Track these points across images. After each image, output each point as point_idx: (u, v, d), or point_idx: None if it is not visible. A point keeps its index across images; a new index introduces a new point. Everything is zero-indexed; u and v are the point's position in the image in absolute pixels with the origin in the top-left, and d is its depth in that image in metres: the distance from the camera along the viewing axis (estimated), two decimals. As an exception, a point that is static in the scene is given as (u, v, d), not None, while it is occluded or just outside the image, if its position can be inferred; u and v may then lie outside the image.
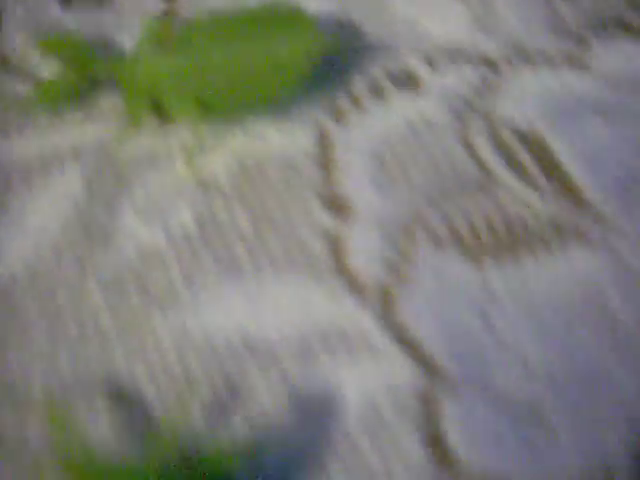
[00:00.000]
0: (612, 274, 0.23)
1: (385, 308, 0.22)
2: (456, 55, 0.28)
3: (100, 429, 0.21)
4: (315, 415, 0.22)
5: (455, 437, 0.21)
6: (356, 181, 0.25)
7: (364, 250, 0.23)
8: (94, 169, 0.25)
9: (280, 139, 0.26)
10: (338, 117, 0.26)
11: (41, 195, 0.25)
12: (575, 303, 0.23)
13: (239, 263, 0.23)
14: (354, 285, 0.23)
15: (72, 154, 0.25)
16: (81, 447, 0.20)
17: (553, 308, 0.22)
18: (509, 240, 0.24)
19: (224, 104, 0.25)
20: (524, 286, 0.23)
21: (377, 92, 0.27)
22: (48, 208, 0.24)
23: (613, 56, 0.28)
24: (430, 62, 0.27)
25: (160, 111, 0.25)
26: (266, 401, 0.21)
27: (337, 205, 0.24)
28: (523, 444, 0.21)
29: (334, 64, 0.27)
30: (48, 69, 0.26)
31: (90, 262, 0.24)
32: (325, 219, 0.24)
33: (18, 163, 0.25)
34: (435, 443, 0.21)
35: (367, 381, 0.22)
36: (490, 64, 0.28)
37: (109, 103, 0.26)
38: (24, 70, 0.27)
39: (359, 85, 0.27)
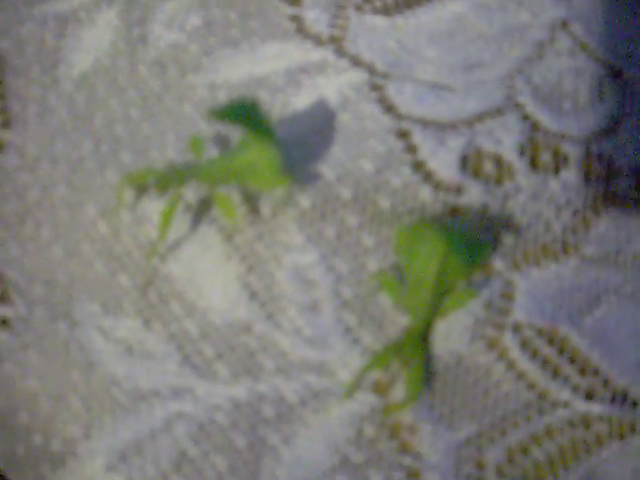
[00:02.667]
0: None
1: (337, 46, 0.34)
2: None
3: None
4: (308, 112, 0.33)
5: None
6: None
7: (315, 18, 0.35)
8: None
9: None
10: None
11: (91, 26, 0.36)
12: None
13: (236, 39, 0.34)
14: (314, 38, 0.34)
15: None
16: None
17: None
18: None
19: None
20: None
21: None
22: (97, 32, 0.35)
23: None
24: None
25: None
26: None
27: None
28: (438, 98, 0.33)
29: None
30: None
31: (135, 56, 0.34)
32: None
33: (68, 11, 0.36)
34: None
35: (338, 83, 0.33)
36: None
37: None
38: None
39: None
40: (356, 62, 0.34)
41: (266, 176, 0.30)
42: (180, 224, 0.31)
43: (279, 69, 0.34)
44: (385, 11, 0.35)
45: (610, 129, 0.34)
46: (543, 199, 0.32)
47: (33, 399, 0.29)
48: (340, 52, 0.34)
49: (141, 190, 0.31)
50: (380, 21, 0.35)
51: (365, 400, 0.29)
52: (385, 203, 0.31)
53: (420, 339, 0.29)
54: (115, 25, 0.35)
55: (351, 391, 0.29)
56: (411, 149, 0.32)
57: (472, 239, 0.30)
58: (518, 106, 0.33)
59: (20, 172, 0.32)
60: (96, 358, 0.30)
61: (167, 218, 0.30)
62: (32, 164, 0.33)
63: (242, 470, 0.28)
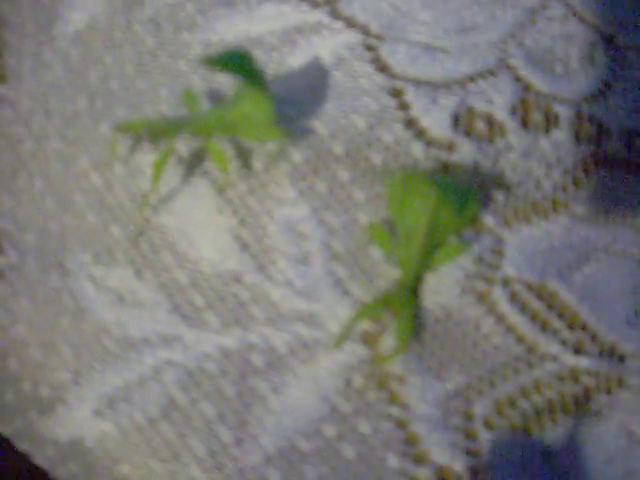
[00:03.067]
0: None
1: (332, 8, 0.34)
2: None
3: None
4: (303, 71, 0.33)
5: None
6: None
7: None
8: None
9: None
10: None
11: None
12: None
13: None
14: (309, 0, 0.35)
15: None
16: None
17: None
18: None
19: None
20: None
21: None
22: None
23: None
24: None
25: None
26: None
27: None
28: (432, 59, 0.33)
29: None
30: None
31: (131, 15, 0.34)
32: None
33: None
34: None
35: (333, 44, 0.33)
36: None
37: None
38: None
39: None
40: (350, 24, 0.34)
41: (259, 128, 0.30)
42: (173, 177, 0.31)
43: (275, 29, 0.34)
44: (380, -25, 0.35)
45: (601, 92, 0.34)
46: (534, 157, 0.32)
47: (23, 346, 0.29)
48: (335, 14, 0.34)
49: (134, 143, 0.31)
50: (374, -16, 0.35)
51: (354, 351, 0.29)
52: (377, 159, 0.31)
53: (410, 291, 0.29)
54: (112, -15, 0.35)
55: (340, 341, 0.29)
56: (404, 107, 0.32)
57: (463, 192, 0.30)
58: (510, 68, 0.33)
59: (14, 125, 0.32)
60: (87, 306, 0.30)
61: (159, 169, 0.30)
62: (26, 117, 0.33)
63: (231, 418, 0.28)
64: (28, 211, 0.31)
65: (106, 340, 0.29)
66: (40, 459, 0.29)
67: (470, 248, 0.30)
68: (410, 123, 0.32)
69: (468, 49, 0.34)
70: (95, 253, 0.30)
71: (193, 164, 0.31)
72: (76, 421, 0.29)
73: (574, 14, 0.35)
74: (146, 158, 0.31)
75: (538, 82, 0.33)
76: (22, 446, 0.29)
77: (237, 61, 0.30)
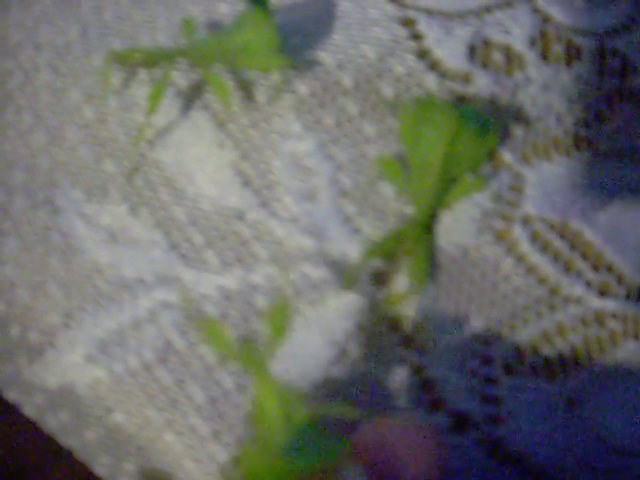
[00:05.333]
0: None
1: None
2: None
3: None
4: (313, 3, 0.30)
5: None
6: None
7: None
8: None
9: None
10: None
11: None
12: None
13: None
14: None
15: None
16: None
17: None
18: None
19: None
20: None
21: None
22: None
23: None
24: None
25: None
26: None
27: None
28: None
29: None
30: None
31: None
32: None
33: None
34: None
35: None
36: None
37: None
38: None
39: None
40: (359, -48, 0.31)
41: (262, 56, 0.27)
42: (170, 110, 0.28)
43: (278, -41, 0.31)
44: None
45: (624, 26, 0.31)
46: (554, 91, 0.29)
47: (10, 288, 0.27)
48: (342, -58, 0.32)
49: (129, 74, 0.29)
50: None
51: (365, 291, 0.27)
52: (388, 91, 0.29)
53: (424, 228, 0.27)
54: None
55: (350, 282, 0.27)
56: (416, 37, 0.29)
57: (481, 122, 0.27)
58: (529, 0, 0.31)
59: (1, 58, 0.30)
60: (78, 245, 0.27)
61: (154, 101, 0.27)
62: (14, 50, 0.30)
63: (232, 363, 0.26)
64: (16, 147, 0.29)
65: (98, 281, 0.27)
66: (29, 408, 0.26)
67: (488, 184, 0.28)
68: (423, 54, 0.29)
69: (483, -20, 0.31)
70: (87, 189, 0.28)
71: (192, 96, 0.29)
72: (66, 367, 0.26)
73: (594, -54, 0.33)
74: (141, 90, 0.29)
75: (558, 14, 0.31)
76: (10, 395, 0.27)
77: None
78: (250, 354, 0.23)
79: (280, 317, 0.23)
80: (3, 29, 0.30)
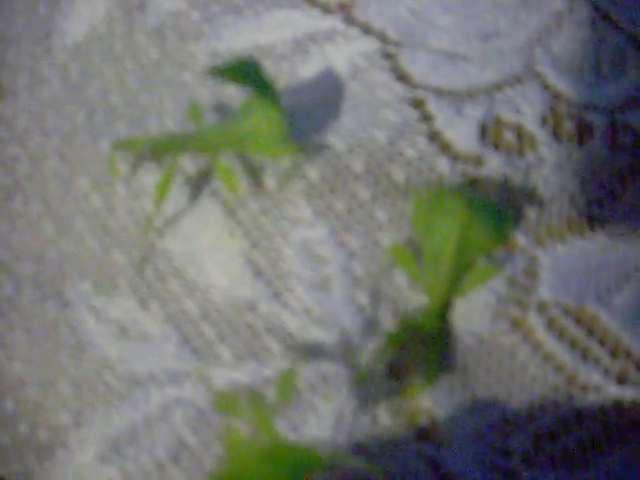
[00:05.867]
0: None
1: (346, 14, 0.31)
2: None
3: None
4: (316, 81, 0.30)
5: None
6: None
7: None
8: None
9: None
10: None
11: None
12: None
13: (239, 6, 0.31)
14: (321, 6, 0.32)
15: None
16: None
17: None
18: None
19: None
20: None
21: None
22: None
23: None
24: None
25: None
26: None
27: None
28: (454, 67, 0.30)
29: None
30: None
31: (132, 24, 0.31)
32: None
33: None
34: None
35: (348, 52, 0.30)
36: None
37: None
38: None
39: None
40: (367, 30, 0.31)
41: (270, 143, 0.27)
42: (179, 197, 0.28)
43: (285, 38, 0.31)
44: (396, -22, 0.32)
45: (635, 100, 0.31)
46: (567, 171, 0.29)
47: (19, 385, 0.26)
48: (350, 20, 0.31)
49: (136, 161, 0.29)
50: (391, -12, 0.32)
51: (380, 384, 0.26)
52: (399, 175, 0.28)
53: (438, 318, 0.26)
54: (111, -6, 0.32)
55: (364, 375, 0.26)
56: (426, 118, 0.29)
57: (495, 210, 0.27)
58: (538, 75, 0.30)
59: (9, 145, 0.29)
60: (88, 340, 0.27)
61: (163, 189, 0.27)
62: (22, 136, 0.30)
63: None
64: (24, 237, 0.28)
65: (109, 377, 0.26)
66: (39, 507, 0.26)
67: (503, 269, 0.27)
68: (434, 136, 0.29)
69: (492, 56, 0.31)
70: (96, 281, 0.27)
71: (200, 183, 0.28)
72: (78, 467, 0.25)
73: (603, 17, 0.32)
74: (149, 177, 0.28)
75: (568, 90, 0.30)
76: (20, 493, 0.26)
77: (246, 71, 0.27)
78: (258, 408, 0.23)
79: (286, 383, 0.24)
80: (11, 115, 0.30)
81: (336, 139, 0.29)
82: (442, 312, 0.26)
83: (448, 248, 0.26)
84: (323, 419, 0.26)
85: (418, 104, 0.29)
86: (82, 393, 0.26)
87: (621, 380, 0.27)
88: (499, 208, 0.27)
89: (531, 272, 0.28)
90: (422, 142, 0.29)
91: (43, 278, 0.27)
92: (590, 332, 0.27)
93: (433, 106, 0.29)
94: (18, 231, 0.28)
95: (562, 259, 0.28)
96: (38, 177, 0.29)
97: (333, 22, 0.31)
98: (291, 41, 0.31)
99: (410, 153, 0.28)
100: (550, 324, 0.27)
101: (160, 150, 0.27)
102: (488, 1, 0.32)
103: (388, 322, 0.27)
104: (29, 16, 0.32)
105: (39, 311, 0.27)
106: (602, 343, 0.27)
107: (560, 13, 0.32)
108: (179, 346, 0.26)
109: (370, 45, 0.30)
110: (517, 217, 0.28)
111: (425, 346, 0.26)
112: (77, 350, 0.26)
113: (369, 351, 0.26)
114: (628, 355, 0.27)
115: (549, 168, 0.29)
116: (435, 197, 0.27)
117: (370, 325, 0.27)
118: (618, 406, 0.26)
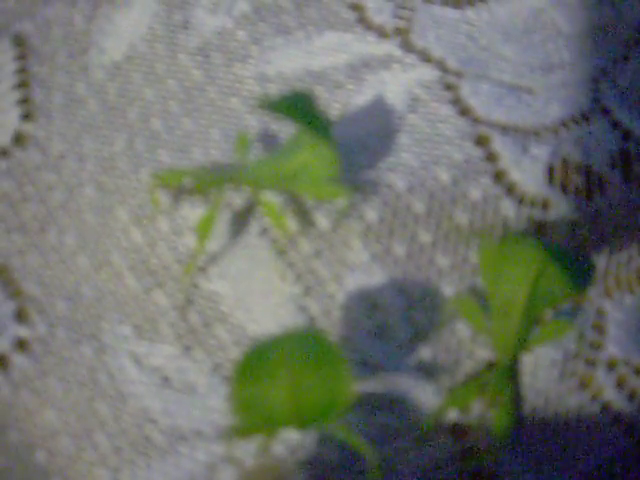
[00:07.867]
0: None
1: (403, 39, 0.29)
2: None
3: None
4: (372, 112, 0.28)
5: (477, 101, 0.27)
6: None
7: (378, 8, 0.30)
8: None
9: None
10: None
11: (125, 9, 0.30)
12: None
13: (289, 27, 0.29)
14: (376, 29, 0.29)
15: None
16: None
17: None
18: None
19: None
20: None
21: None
22: (133, 15, 0.30)
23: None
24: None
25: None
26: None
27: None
28: (518, 101, 0.28)
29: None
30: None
31: (175, 43, 0.29)
32: None
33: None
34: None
35: (405, 81, 0.28)
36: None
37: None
38: None
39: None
40: (425, 58, 0.28)
41: (321, 183, 0.25)
42: (225, 234, 0.26)
43: (338, 63, 0.28)
44: (455, 2, 0.30)
45: None
46: (638, 216, 0.27)
47: (53, 435, 0.24)
48: (407, 46, 0.29)
49: (179, 193, 0.26)
50: (450, 13, 0.29)
51: (442, 445, 0.24)
52: (462, 218, 0.26)
53: (507, 375, 0.24)
54: (153, 8, 0.29)
55: (425, 434, 0.24)
56: (491, 157, 0.27)
57: (573, 258, 0.25)
58: (606, 112, 0.28)
59: (43, 171, 0.27)
60: (127, 389, 0.24)
61: (206, 225, 0.25)
62: (56, 162, 0.27)
63: None
64: (58, 273, 0.26)
65: (151, 431, 0.24)
66: None
67: (575, 325, 0.25)
68: (499, 176, 0.27)
69: (557, 89, 0.28)
70: (136, 324, 0.25)
71: (248, 219, 0.26)
72: (115, 528, 0.23)
73: (671, 49, 0.30)
74: (194, 211, 0.26)
75: (637, 128, 0.28)
76: None
77: (297, 104, 0.25)
78: None
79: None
80: (45, 137, 0.27)
81: (395, 176, 0.26)
82: (511, 368, 0.24)
83: (519, 299, 0.24)
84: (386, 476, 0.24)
85: (482, 141, 0.27)
86: (121, 447, 0.24)
87: (694, 445, 0.25)
88: (576, 258, 0.25)
89: (598, 326, 0.26)
90: (486, 183, 0.26)
91: (78, 318, 0.25)
92: (662, 393, 0.25)
93: (498, 144, 0.27)
94: (52, 266, 0.26)
95: (630, 312, 0.26)
96: (73, 207, 0.26)
97: (389, 47, 0.29)
98: (344, 67, 0.28)
99: (474, 194, 0.26)
100: (620, 383, 0.25)
101: (205, 183, 0.25)
102: (551, 30, 0.30)
103: (451, 378, 0.25)
104: (64, 30, 0.29)
105: (74, 355, 0.25)
106: (675, 405, 0.25)
107: (627, 43, 0.30)
108: (227, 399, 0.24)
109: (429, 74, 0.28)
110: (594, 266, 0.26)
111: (493, 405, 0.24)
112: (116, 400, 0.24)
113: (431, 408, 0.24)
114: (702, 418, 0.25)
115: (619, 213, 0.27)
116: (505, 243, 0.24)
117: (431, 380, 0.25)
118: (691, 473, 0.24)
